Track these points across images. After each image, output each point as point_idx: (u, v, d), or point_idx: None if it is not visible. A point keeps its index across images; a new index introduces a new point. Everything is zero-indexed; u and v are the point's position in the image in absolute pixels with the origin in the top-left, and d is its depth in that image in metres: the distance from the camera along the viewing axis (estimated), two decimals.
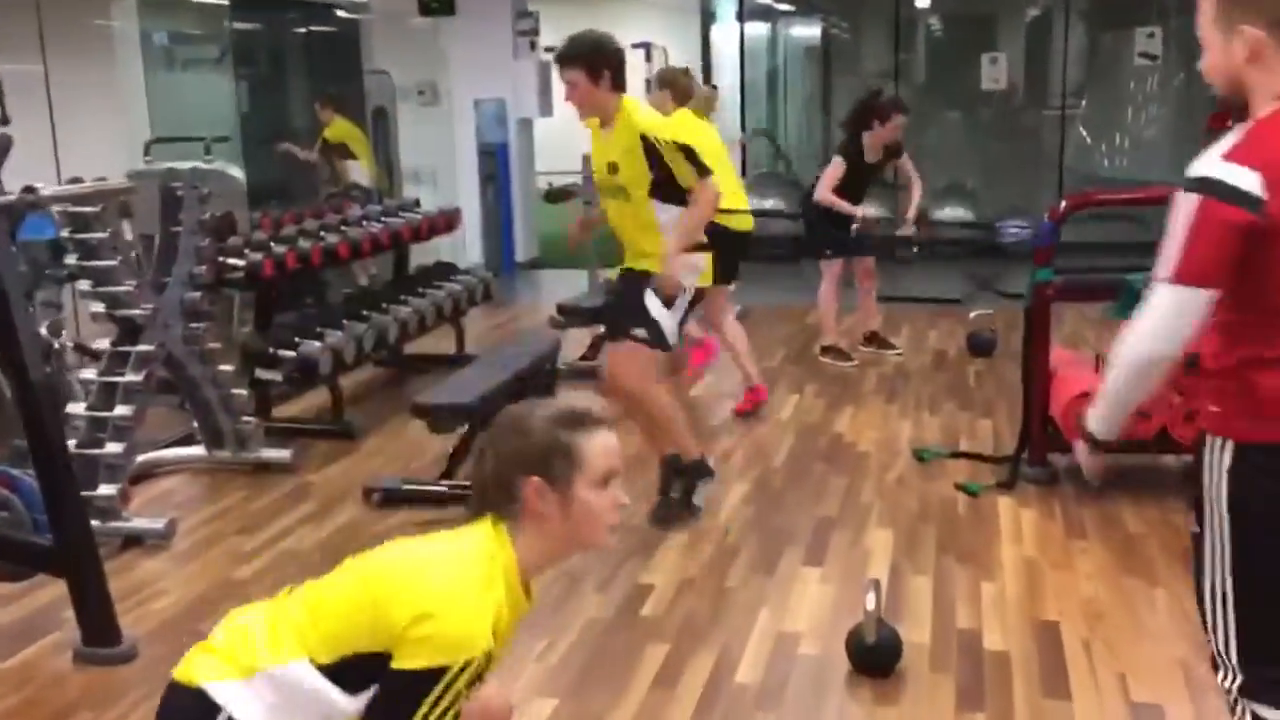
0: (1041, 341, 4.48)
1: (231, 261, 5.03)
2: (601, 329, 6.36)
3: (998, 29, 11.94)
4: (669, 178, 3.93)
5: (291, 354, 5.01)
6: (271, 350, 5.04)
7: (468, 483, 2.04)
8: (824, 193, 6.15)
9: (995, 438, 5.11)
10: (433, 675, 1.70)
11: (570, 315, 6.24)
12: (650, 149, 3.87)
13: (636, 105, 4.02)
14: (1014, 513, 4.25)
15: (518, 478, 1.85)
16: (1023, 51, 11.86)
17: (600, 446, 1.89)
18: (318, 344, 5.12)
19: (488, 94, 9.80)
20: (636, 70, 15.18)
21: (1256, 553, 1.89)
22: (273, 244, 5.38)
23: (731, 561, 3.88)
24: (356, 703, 1.78)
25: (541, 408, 1.93)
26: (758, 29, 14.67)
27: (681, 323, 4.20)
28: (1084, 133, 11.79)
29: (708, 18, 14.54)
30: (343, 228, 6.01)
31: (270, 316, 5.40)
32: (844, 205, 6.15)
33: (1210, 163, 1.79)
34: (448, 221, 6.81)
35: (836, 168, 6.16)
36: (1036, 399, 4.48)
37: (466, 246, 10.04)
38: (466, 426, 4.52)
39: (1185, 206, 1.80)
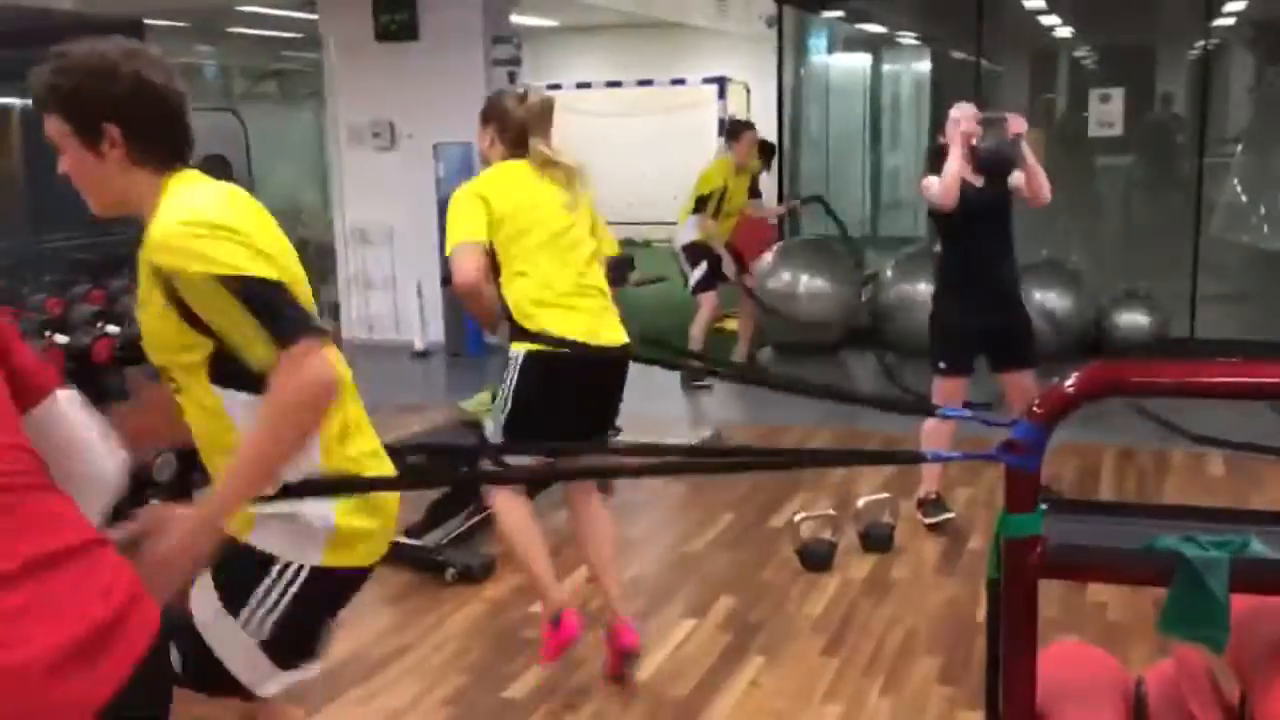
0: (1020, 647, 2.25)
1: None
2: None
3: (1123, 60, 9.47)
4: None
5: None
6: None
7: None
8: None
9: None
10: None
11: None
12: (171, 288, 1.83)
13: (185, 190, 1.90)
14: None
15: None
16: (1152, 88, 9.35)
17: None
18: None
19: (451, 136, 7.94)
20: (708, 109, 13.15)
21: None
22: None
23: None
24: None
25: None
26: (853, 61, 12.50)
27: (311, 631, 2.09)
28: (1239, 189, 9.21)
29: (789, 49, 12.18)
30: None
31: None
32: None
33: None
34: None
35: None
36: None
37: (425, 324, 8.20)
38: None
39: None
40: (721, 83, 13.90)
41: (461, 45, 7.97)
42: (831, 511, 4.26)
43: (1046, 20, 10.21)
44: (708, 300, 7.18)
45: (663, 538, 4.57)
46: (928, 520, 4.47)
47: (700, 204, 7.07)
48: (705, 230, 7.05)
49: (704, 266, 7.13)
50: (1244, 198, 9.08)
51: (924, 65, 12.27)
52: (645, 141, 14.96)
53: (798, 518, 4.25)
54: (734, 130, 7.36)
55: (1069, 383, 2.26)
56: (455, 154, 7.95)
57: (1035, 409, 2.26)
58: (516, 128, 3.22)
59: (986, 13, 8.56)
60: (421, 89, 8.08)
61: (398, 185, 8.25)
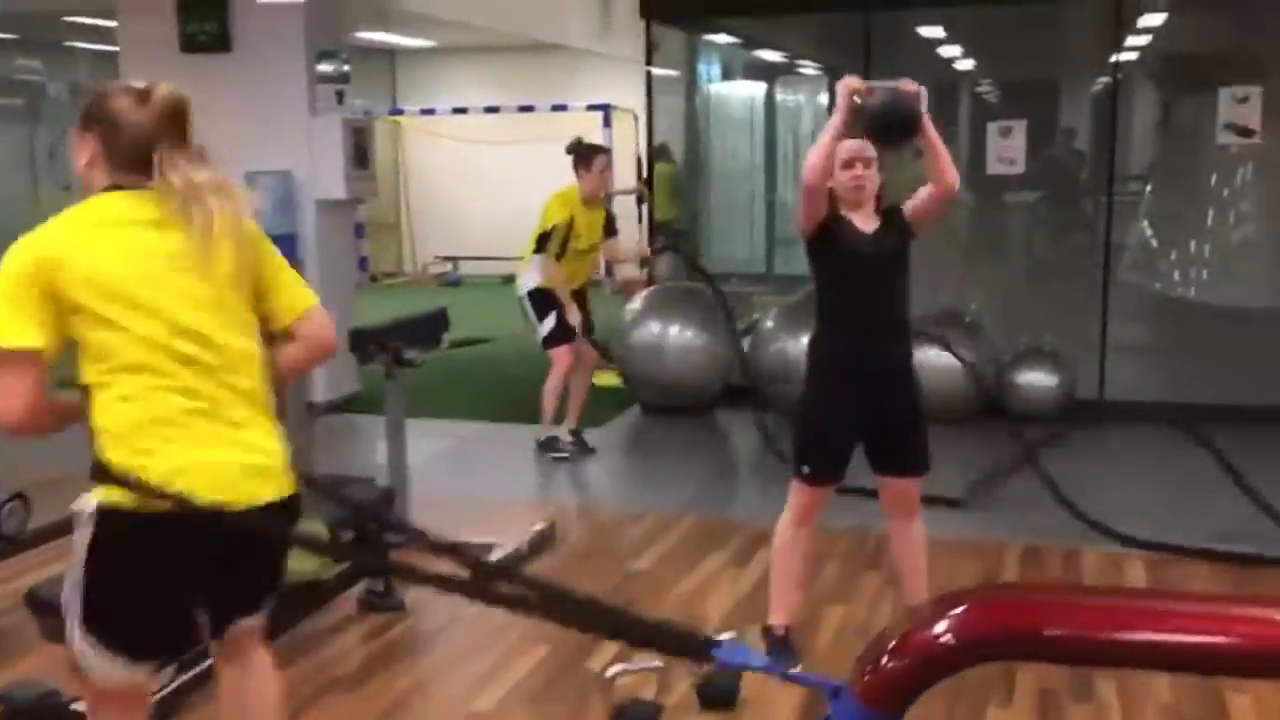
0: None
1: None
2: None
3: (1026, 94, 8.75)
4: None
5: None
6: None
7: None
8: None
9: None
10: None
11: (40, 608, 3.13)
12: None
13: None
14: None
15: None
16: (1056, 123, 8.66)
17: None
18: None
19: (268, 164, 6.88)
20: (592, 138, 12.38)
21: None
22: None
23: None
24: None
25: None
26: (747, 89, 11.69)
27: None
28: (1148, 232, 8.54)
29: (672, 74, 11.10)
30: None
31: None
32: None
33: None
34: None
35: None
36: None
37: None
38: None
39: None
40: (606, 110, 13.01)
41: (281, 59, 6.93)
42: (657, 663, 3.28)
43: (946, 51, 9.50)
44: (561, 356, 6.04)
45: (445, 687, 3.55)
46: None
47: (542, 243, 5.93)
48: (547, 275, 5.95)
49: (554, 316, 6.00)
50: (1154, 241, 8.40)
51: (823, 96, 11.50)
52: (527, 171, 14.01)
53: (611, 671, 3.26)
54: (582, 154, 6.01)
55: (939, 628, 1.28)
56: (273, 184, 6.88)
57: (881, 665, 1.30)
58: (132, 140, 2.16)
59: (884, 43, 7.78)
60: (235, 109, 6.99)
61: None
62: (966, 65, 9.51)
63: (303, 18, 6.87)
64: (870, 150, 3.40)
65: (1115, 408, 6.82)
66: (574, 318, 5.99)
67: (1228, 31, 7.98)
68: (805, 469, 3.46)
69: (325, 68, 6.98)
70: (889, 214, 3.46)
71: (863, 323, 3.39)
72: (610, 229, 6.24)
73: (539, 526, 4.83)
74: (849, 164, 3.37)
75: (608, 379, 7.85)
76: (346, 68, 7.09)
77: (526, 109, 13.07)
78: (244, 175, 6.90)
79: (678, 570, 4.46)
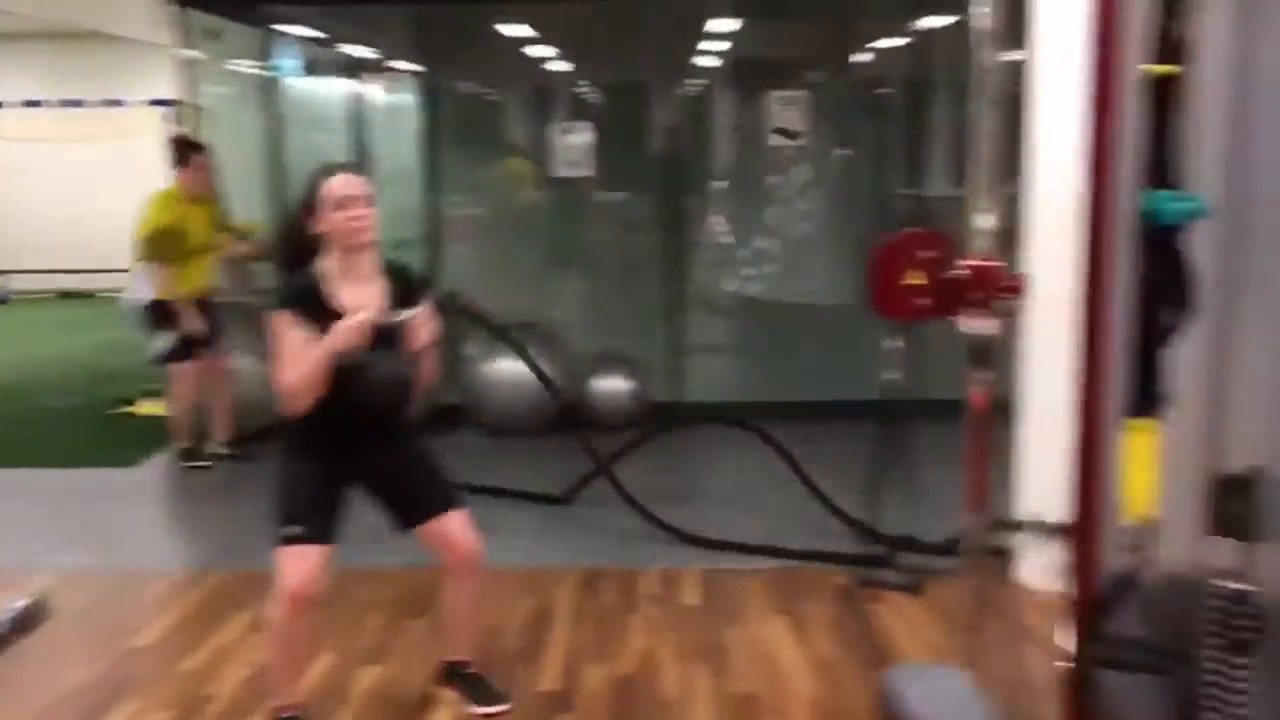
0: None
1: None
2: None
3: (611, 97, 8.66)
4: None
5: None
6: None
7: None
8: None
9: None
10: None
11: None
12: None
13: None
14: None
15: None
16: (639, 126, 8.65)
17: None
18: None
19: None
20: (157, 134, 11.16)
21: None
22: None
23: None
24: None
25: None
26: (331, 87, 10.93)
27: None
28: (720, 233, 8.70)
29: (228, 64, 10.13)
30: None
31: None
32: None
33: None
34: None
35: None
36: None
37: None
38: None
39: None
40: (171, 105, 11.85)
41: None
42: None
43: (536, 52, 9.26)
44: (185, 375, 5.87)
45: None
46: None
47: (153, 250, 5.63)
48: (160, 284, 5.69)
49: (173, 333, 5.78)
50: (724, 241, 8.57)
51: (414, 95, 10.97)
52: (87, 173, 12.57)
53: None
54: (180, 152, 5.89)
55: None
56: None
57: None
58: None
59: (459, 39, 7.40)
60: None
61: None
62: (547, 65, 9.33)
63: None
64: (365, 184, 2.97)
65: (693, 409, 6.81)
66: (194, 325, 5.77)
67: (784, 37, 8.27)
68: (298, 530, 2.98)
69: None
70: (396, 278, 3.04)
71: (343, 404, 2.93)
72: (222, 227, 6.00)
73: (24, 601, 4.04)
74: (343, 204, 2.90)
75: (152, 408, 7.03)
76: None
77: (73, 103, 11.67)
78: None
79: (191, 640, 3.84)
